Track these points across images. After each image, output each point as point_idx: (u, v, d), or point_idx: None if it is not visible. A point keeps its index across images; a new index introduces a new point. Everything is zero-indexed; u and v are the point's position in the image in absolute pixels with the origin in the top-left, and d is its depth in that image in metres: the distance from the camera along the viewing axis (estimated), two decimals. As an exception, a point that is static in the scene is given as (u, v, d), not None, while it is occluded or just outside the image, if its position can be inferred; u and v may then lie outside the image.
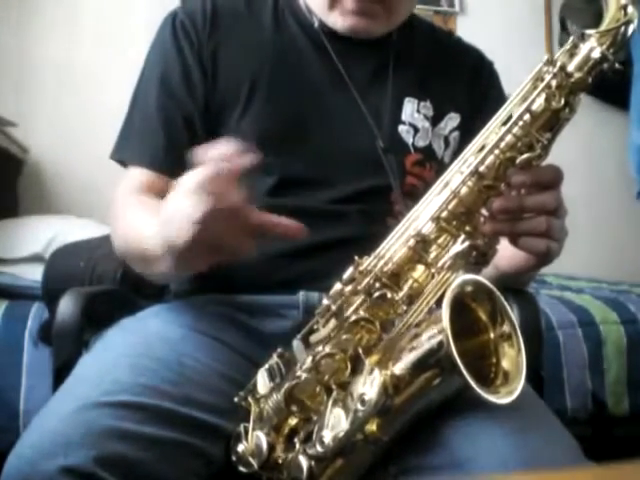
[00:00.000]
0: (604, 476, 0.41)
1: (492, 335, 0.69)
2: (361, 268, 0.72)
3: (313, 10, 0.97)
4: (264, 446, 0.69)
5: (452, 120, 0.99)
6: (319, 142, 0.93)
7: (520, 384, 0.65)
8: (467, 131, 0.98)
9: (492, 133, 0.73)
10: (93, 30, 2.68)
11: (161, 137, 0.92)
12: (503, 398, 0.64)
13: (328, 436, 0.66)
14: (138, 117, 0.96)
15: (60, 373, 0.81)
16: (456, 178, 0.72)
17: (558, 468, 0.63)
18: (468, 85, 1.02)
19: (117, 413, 0.66)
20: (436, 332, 0.64)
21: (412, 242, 0.72)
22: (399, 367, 0.66)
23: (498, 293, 0.69)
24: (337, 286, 0.72)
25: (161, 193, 0.88)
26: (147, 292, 0.94)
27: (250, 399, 0.73)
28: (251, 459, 0.69)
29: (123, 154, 0.96)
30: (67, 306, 0.86)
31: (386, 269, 0.72)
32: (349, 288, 0.72)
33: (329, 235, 0.89)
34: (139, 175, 0.93)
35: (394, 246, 0.73)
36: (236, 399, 0.74)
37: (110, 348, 0.80)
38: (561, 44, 3.18)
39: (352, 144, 0.94)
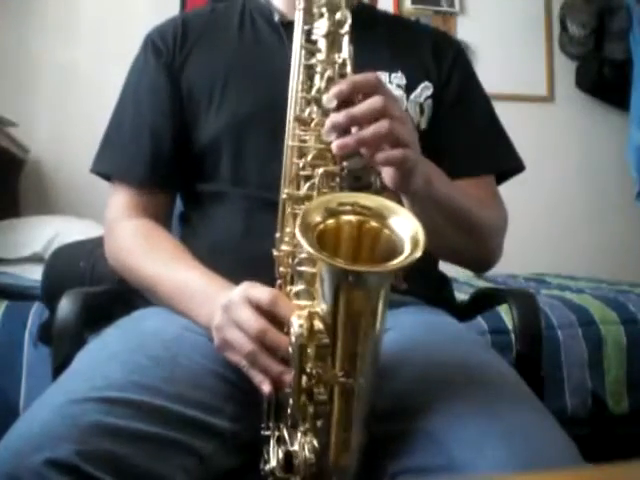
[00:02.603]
0: (604, 476, 0.41)
1: (372, 222, 0.68)
2: (282, 255, 0.75)
3: (275, 6, 1.02)
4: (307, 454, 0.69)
5: (427, 89, 1.01)
6: None
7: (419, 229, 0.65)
8: (439, 101, 1.01)
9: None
10: (93, 30, 2.68)
11: (131, 149, 0.99)
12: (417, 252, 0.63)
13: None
14: (113, 131, 1.02)
15: (60, 373, 0.81)
16: (286, 133, 0.76)
17: (556, 468, 0.63)
18: (434, 57, 1.04)
19: (104, 408, 0.67)
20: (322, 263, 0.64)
21: (289, 206, 0.75)
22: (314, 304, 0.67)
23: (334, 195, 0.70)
24: (278, 284, 0.76)
25: (145, 209, 0.98)
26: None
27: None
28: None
29: (98, 166, 1.02)
30: (67, 306, 0.86)
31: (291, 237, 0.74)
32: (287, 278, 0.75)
33: None
34: (123, 194, 0.99)
35: (287, 222, 0.75)
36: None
37: (104, 345, 0.81)
38: (561, 44, 3.17)
39: None
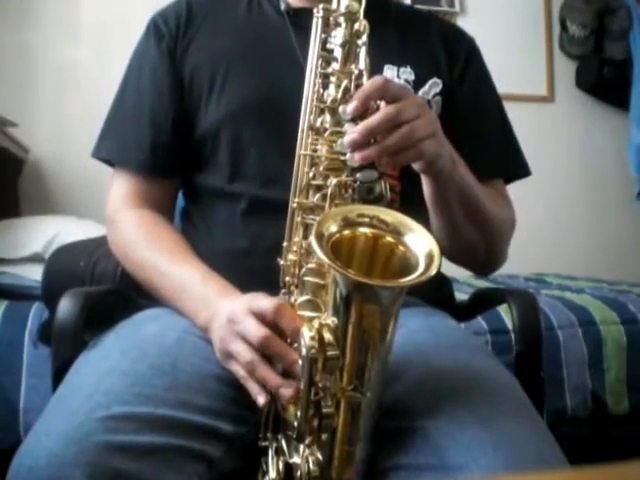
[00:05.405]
0: (604, 476, 0.41)
1: (388, 237, 0.68)
2: (288, 264, 0.75)
3: None
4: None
5: (436, 85, 0.99)
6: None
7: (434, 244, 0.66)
8: (449, 99, 0.99)
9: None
10: (93, 29, 2.68)
11: (131, 135, 0.98)
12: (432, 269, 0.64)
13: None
14: (114, 116, 1.01)
15: (60, 373, 0.81)
16: (298, 143, 0.75)
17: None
18: (445, 53, 1.02)
19: (109, 426, 0.66)
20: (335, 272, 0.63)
21: (298, 216, 0.75)
22: (324, 316, 0.66)
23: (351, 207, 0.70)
24: (282, 293, 0.75)
25: (146, 198, 0.97)
26: (147, 292, 0.94)
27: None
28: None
29: (99, 151, 1.01)
30: (67, 306, 0.86)
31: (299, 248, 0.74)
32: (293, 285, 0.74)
33: None
34: (124, 182, 0.98)
35: (295, 232, 0.75)
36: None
37: (104, 356, 0.80)
38: (561, 44, 3.17)
39: None
